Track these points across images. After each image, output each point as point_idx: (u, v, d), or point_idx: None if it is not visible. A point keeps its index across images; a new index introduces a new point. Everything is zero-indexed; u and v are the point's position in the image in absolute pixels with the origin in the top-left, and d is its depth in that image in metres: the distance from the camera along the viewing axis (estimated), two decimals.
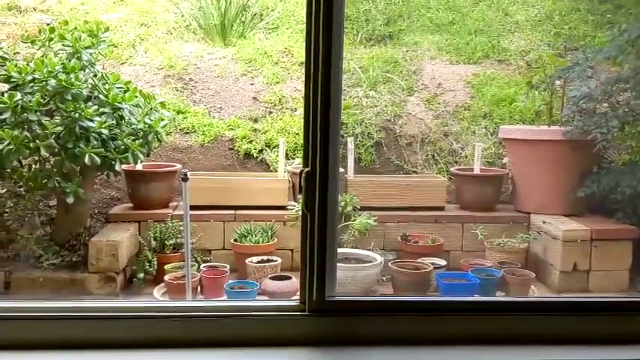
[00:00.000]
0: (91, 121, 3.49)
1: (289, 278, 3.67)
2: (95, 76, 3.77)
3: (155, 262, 3.86)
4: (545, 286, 4.02)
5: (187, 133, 4.89)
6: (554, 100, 4.53)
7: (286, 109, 5.14)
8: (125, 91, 3.77)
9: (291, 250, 4.14)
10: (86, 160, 3.46)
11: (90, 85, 3.68)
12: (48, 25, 4.17)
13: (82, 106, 3.50)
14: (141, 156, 3.69)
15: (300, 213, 1.80)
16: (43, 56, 3.71)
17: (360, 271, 3.78)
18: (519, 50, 5.76)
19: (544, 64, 4.86)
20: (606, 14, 5.62)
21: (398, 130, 5.03)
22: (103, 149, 3.52)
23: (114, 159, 3.59)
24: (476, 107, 5.21)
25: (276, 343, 1.71)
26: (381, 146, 4.95)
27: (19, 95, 3.38)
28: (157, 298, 3.62)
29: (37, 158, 3.57)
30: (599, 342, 1.77)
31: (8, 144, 3.33)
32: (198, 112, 5.03)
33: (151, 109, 3.84)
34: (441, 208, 4.41)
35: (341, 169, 4.21)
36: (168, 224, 3.99)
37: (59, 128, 3.46)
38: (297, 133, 4.85)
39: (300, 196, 1.77)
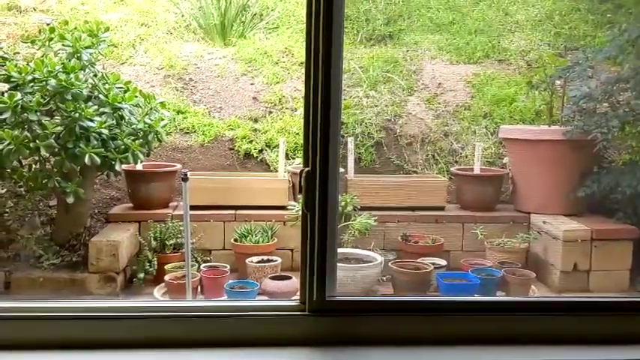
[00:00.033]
0: (91, 121, 3.49)
1: (289, 278, 3.67)
2: (95, 76, 3.77)
3: (155, 262, 3.86)
4: (545, 286, 4.02)
5: (187, 133, 4.89)
6: (555, 99, 4.53)
7: (286, 109, 5.14)
8: (125, 91, 3.77)
9: (291, 250, 4.14)
10: (86, 160, 3.45)
11: (90, 85, 3.68)
12: (48, 25, 4.17)
13: (82, 106, 3.50)
14: (141, 156, 3.69)
15: (300, 213, 1.80)
16: (43, 56, 3.71)
17: (361, 271, 3.78)
18: (519, 50, 5.76)
19: (544, 64, 4.86)
20: (606, 14, 5.61)
21: (398, 130, 5.03)
22: (103, 149, 3.52)
23: (114, 159, 3.59)
24: (476, 107, 5.21)
25: (276, 343, 1.71)
26: (382, 146, 4.95)
27: (19, 95, 3.38)
28: (158, 298, 3.62)
29: (37, 158, 3.57)
30: (599, 342, 1.77)
31: (8, 144, 3.33)
32: (199, 112, 5.03)
33: (151, 109, 3.84)
34: (442, 208, 4.41)
35: (341, 169, 4.21)
36: (168, 224, 3.99)
37: (59, 128, 3.45)
38: (298, 133, 4.85)
39: (300, 196, 1.77)
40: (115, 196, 4.41)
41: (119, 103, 3.66)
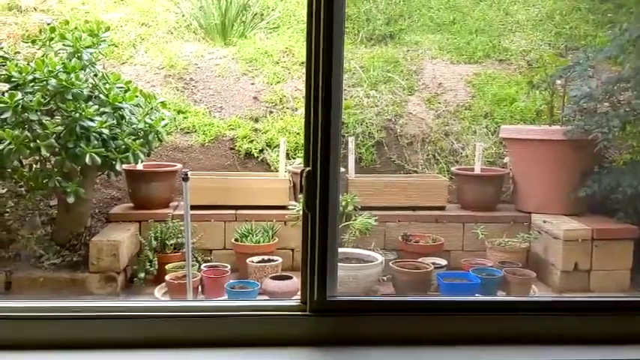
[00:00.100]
0: (92, 120, 3.49)
1: (290, 278, 3.67)
2: (96, 75, 3.77)
3: (156, 262, 3.86)
4: (546, 285, 4.02)
5: (188, 132, 4.89)
6: (555, 99, 4.53)
7: (287, 108, 5.14)
8: (126, 91, 3.77)
9: (292, 250, 4.14)
10: (87, 159, 3.46)
11: (90, 85, 3.68)
12: (48, 24, 4.17)
13: (83, 105, 3.50)
14: (141, 156, 3.69)
15: (300, 213, 1.80)
16: (43, 56, 3.71)
17: (361, 270, 3.78)
18: (520, 50, 5.76)
19: (545, 64, 4.86)
20: (607, 13, 5.61)
21: (399, 130, 5.03)
22: (103, 149, 3.52)
23: (114, 159, 3.59)
24: (477, 107, 5.21)
25: (276, 343, 1.71)
26: (382, 146, 4.95)
27: (19, 95, 3.38)
28: (158, 298, 3.62)
29: (37, 158, 3.57)
30: (600, 342, 1.76)
31: (9, 144, 3.33)
32: (199, 111, 5.03)
33: (151, 108, 3.84)
34: (442, 208, 4.41)
35: (342, 169, 4.21)
36: (168, 224, 3.98)
37: (60, 128, 3.45)
38: (298, 133, 4.85)
39: (300, 196, 1.77)
40: (115, 196, 4.41)
41: (120, 102, 3.66)
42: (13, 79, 3.50)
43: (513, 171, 4.63)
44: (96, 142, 3.50)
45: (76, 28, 3.83)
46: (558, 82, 4.57)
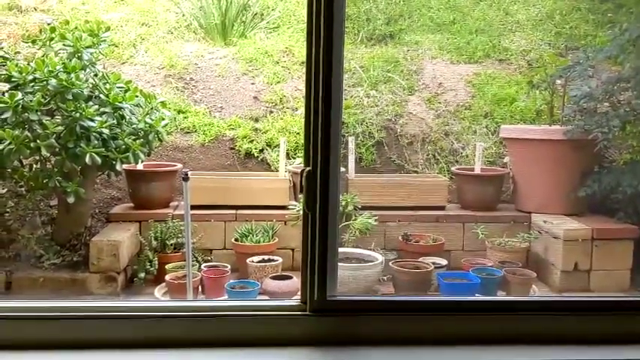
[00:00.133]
0: (92, 120, 3.49)
1: (290, 278, 3.67)
2: (96, 75, 3.77)
3: (156, 262, 3.86)
4: (546, 285, 4.02)
5: (188, 132, 4.89)
6: (555, 99, 4.53)
7: (287, 108, 5.14)
8: (126, 91, 3.77)
9: (292, 250, 4.14)
10: (87, 159, 3.46)
11: (91, 85, 3.68)
12: (49, 24, 4.17)
13: (83, 105, 3.50)
14: (142, 155, 3.69)
15: (301, 212, 1.80)
16: (43, 56, 3.71)
17: (361, 270, 3.78)
18: (520, 50, 5.76)
19: (545, 64, 4.86)
20: (607, 13, 5.61)
21: (399, 130, 5.03)
22: (103, 149, 3.52)
23: (115, 159, 3.59)
24: (477, 107, 5.21)
25: (277, 343, 1.71)
26: (382, 146, 4.95)
27: (19, 95, 3.38)
28: (158, 298, 3.62)
29: (37, 158, 3.57)
30: (600, 342, 1.76)
31: (9, 144, 3.33)
32: (199, 111, 5.03)
33: (151, 108, 3.84)
34: (442, 208, 4.41)
35: (342, 169, 4.21)
36: (169, 224, 3.98)
37: (60, 128, 3.46)
38: (298, 133, 4.85)
39: (301, 196, 1.77)
40: (115, 196, 4.41)
41: (120, 102, 3.66)
42: (13, 79, 3.50)
43: (513, 171, 4.63)
44: (96, 142, 3.50)
45: (76, 28, 3.83)
46: (558, 81, 4.57)
